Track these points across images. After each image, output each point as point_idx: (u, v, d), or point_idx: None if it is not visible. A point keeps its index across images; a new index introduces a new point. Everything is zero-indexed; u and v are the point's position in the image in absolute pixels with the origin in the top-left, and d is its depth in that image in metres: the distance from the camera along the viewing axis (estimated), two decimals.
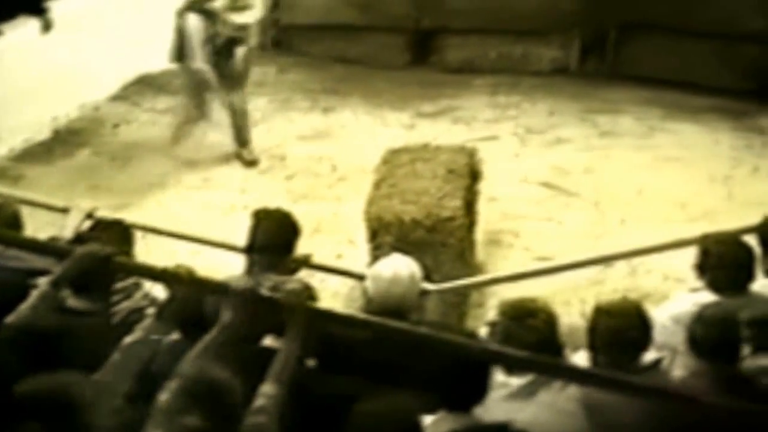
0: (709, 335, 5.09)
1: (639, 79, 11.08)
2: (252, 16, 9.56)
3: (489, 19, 11.40)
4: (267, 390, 4.41)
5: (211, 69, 9.49)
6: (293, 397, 4.40)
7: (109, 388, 4.59)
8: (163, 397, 4.16)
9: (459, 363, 4.75)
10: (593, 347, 5.13)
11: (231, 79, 9.69)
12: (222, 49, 9.51)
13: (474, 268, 7.70)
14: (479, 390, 4.74)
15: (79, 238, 5.82)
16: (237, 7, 9.37)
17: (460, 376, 4.68)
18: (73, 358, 4.59)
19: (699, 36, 10.84)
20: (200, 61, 9.39)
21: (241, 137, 9.75)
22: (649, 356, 5.16)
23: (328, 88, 11.22)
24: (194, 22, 9.33)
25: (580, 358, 5.23)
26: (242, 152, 9.69)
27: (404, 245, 6.99)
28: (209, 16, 9.34)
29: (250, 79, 11.30)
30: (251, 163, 9.64)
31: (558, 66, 11.51)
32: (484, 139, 9.81)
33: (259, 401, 4.36)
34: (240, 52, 9.70)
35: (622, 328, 5.07)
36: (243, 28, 9.48)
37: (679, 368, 5.44)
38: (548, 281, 7.04)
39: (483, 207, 8.16)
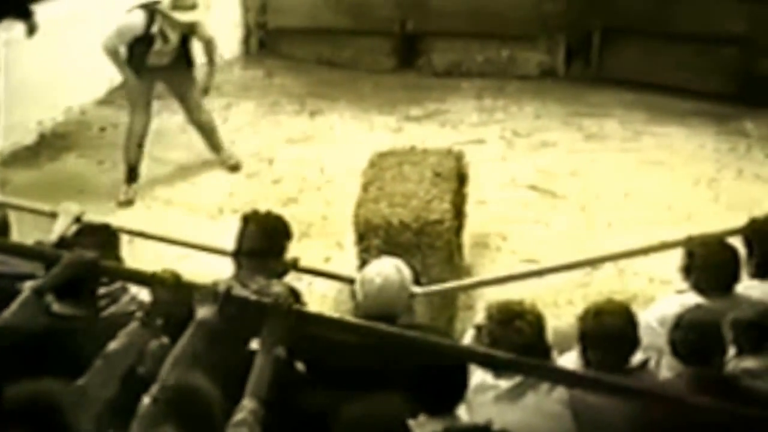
0: (689, 340, 5.11)
1: (624, 83, 11.08)
2: (200, 14, 9.02)
3: (476, 23, 11.40)
4: (246, 404, 4.41)
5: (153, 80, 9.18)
6: (278, 407, 4.37)
7: (92, 394, 4.58)
8: (145, 402, 4.15)
9: (437, 365, 4.75)
10: (584, 348, 5.14)
11: (188, 94, 9.39)
12: (174, 55, 9.13)
13: (462, 271, 7.71)
14: (458, 391, 4.75)
15: (62, 242, 5.79)
16: (181, 5, 8.84)
17: (438, 378, 4.69)
18: (58, 364, 4.58)
19: (682, 40, 10.86)
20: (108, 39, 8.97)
21: (213, 145, 9.55)
22: (637, 357, 5.17)
23: (315, 92, 11.20)
24: (133, 15, 8.94)
25: (570, 360, 5.23)
26: (222, 158, 9.55)
27: (392, 248, 6.99)
28: (151, 12, 8.92)
29: (237, 83, 11.36)
30: (234, 168, 9.49)
31: (544, 70, 11.50)
32: (471, 142, 9.80)
33: (239, 415, 4.36)
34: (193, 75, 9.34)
35: (612, 329, 5.09)
36: (191, 26, 9.01)
37: (665, 369, 5.47)
38: (536, 284, 7.05)
39: (470, 210, 8.16)
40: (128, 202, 9.09)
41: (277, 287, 5.50)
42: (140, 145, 9.22)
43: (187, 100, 9.37)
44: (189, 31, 9.05)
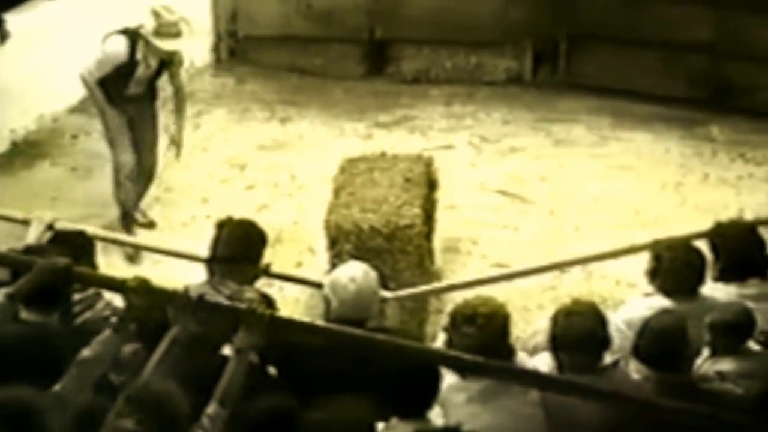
0: (654, 347, 5.15)
1: (590, 89, 11.12)
2: (183, 43, 8.53)
3: (444, 31, 11.41)
4: (210, 410, 4.41)
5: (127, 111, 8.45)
6: (243, 414, 4.36)
7: (68, 400, 4.56)
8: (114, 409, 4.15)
9: (409, 369, 4.75)
10: (556, 349, 5.16)
11: (148, 131, 8.66)
12: (146, 84, 8.49)
13: (432, 275, 7.72)
14: (429, 396, 4.75)
15: (34, 249, 5.75)
16: (164, 32, 8.30)
17: (410, 382, 4.69)
18: (26, 371, 4.55)
19: (648, 46, 10.90)
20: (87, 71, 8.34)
21: (139, 195, 8.72)
22: (609, 357, 5.20)
23: (285, 99, 11.18)
24: (116, 42, 8.31)
25: (542, 361, 5.24)
26: (139, 211, 8.75)
27: (363, 253, 7.01)
28: (134, 38, 8.29)
29: (208, 90, 11.33)
30: (149, 225, 8.67)
31: (512, 76, 11.53)
32: (441, 148, 9.82)
33: (201, 420, 4.36)
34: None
35: (582, 329, 5.12)
36: (172, 54, 8.44)
37: (633, 372, 5.48)
38: (506, 287, 7.06)
39: (441, 215, 8.18)
40: (130, 259, 8.07)
41: (249, 293, 5.50)
42: (133, 181, 8.53)
43: (145, 138, 8.64)
44: (169, 60, 8.48)
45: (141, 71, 8.37)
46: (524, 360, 5.26)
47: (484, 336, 5.01)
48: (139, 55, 8.29)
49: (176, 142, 8.75)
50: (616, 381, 5.12)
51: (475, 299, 5.20)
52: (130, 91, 8.42)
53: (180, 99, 8.75)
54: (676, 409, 4.91)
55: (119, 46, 8.27)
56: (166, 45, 8.33)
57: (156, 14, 8.29)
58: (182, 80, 8.76)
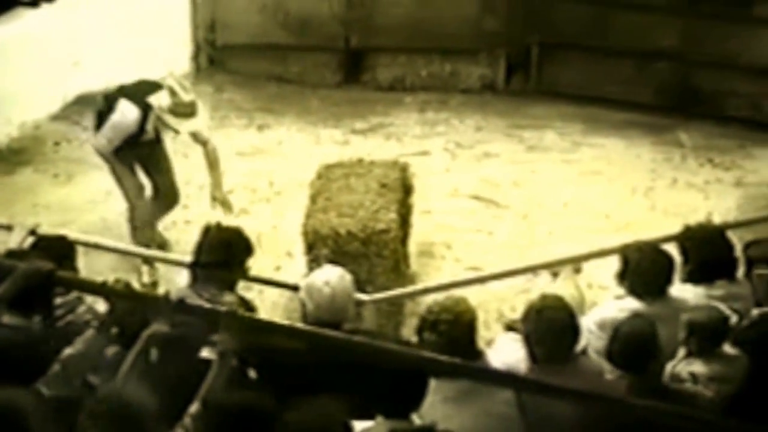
0: (625, 352, 5.18)
1: (562, 96, 11.17)
2: (199, 120, 8.05)
3: (418, 39, 11.45)
4: (192, 409, 4.41)
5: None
6: (226, 413, 4.35)
7: (50, 399, 4.55)
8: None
9: (396, 371, 4.76)
10: (529, 343, 5.20)
11: (161, 166, 8.31)
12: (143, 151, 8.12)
13: (408, 279, 7.74)
14: (416, 397, 4.75)
15: (15, 254, 5.74)
16: (179, 111, 7.84)
17: (396, 383, 4.69)
18: (10, 374, 4.55)
19: (618, 54, 10.96)
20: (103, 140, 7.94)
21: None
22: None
23: (263, 107, 11.19)
24: (127, 112, 7.90)
25: (510, 352, 5.28)
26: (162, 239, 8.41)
27: (340, 257, 7.03)
28: (145, 109, 7.89)
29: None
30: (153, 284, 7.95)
31: (485, 84, 11.57)
32: (416, 154, 9.84)
33: (184, 420, 4.36)
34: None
35: (555, 323, 5.18)
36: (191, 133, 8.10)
37: (606, 372, 5.50)
38: (480, 290, 7.09)
39: (416, 220, 8.20)
40: (153, 284, 7.82)
41: (229, 296, 5.51)
42: (153, 225, 8.21)
43: (160, 169, 8.33)
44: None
45: (149, 135, 8.07)
46: (495, 354, 5.30)
47: (447, 343, 5.02)
48: (149, 126, 7.96)
49: (221, 201, 8.34)
50: (584, 370, 5.21)
51: (440, 305, 5.19)
52: (141, 139, 8.09)
53: (209, 156, 8.29)
54: (648, 407, 4.93)
55: (130, 118, 7.91)
56: (178, 124, 7.92)
57: (172, 92, 7.82)
58: (206, 136, 8.27)
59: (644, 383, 5.10)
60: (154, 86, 8.00)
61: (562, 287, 6.40)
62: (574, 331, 5.23)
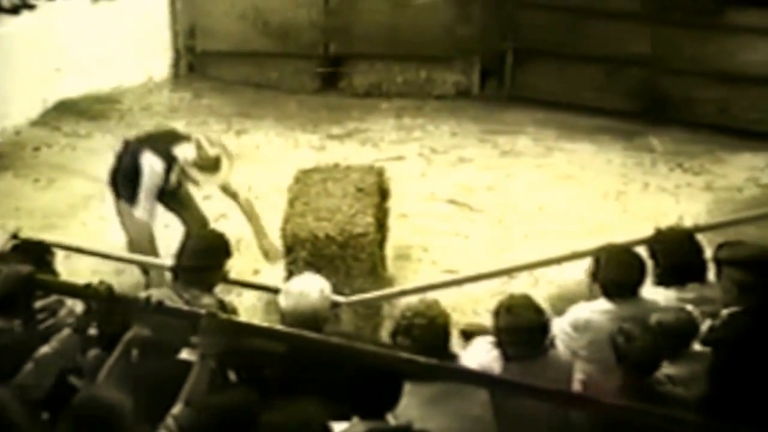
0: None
1: (535, 102, 11.20)
2: (224, 174, 7.77)
3: (395, 46, 11.47)
4: (175, 410, 4.39)
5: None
6: (208, 412, 4.33)
7: (23, 396, 4.52)
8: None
9: (371, 372, 4.75)
10: (500, 340, 5.22)
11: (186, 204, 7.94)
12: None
13: (385, 282, 7.72)
14: (391, 398, 4.74)
15: None
16: (205, 165, 7.62)
17: (371, 384, 4.68)
18: None
19: (590, 60, 11.00)
20: (144, 212, 7.54)
21: None
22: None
23: (241, 112, 11.17)
24: (153, 165, 7.56)
25: (482, 351, 5.29)
26: None
27: (318, 260, 7.03)
28: (170, 161, 7.61)
29: (167, 104, 11.29)
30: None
31: (460, 90, 11.59)
32: (392, 159, 9.84)
33: (166, 421, 4.34)
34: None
35: (524, 320, 5.27)
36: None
37: (579, 372, 5.51)
38: (456, 293, 7.09)
39: (393, 223, 8.19)
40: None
41: (207, 299, 5.50)
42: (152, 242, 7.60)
43: (185, 209, 7.97)
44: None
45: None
46: (469, 356, 5.30)
47: (421, 347, 5.01)
48: (173, 177, 7.66)
49: (266, 250, 7.96)
50: (555, 363, 5.30)
51: (413, 309, 5.20)
52: (165, 189, 7.74)
53: (243, 207, 8.02)
54: (620, 407, 4.93)
55: (157, 172, 7.57)
56: (203, 179, 7.70)
57: (198, 146, 7.64)
58: (234, 189, 7.99)
59: (639, 385, 5.09)
60: (177, 137, 7.85)
61: None
62: (543, 326, 5.31)
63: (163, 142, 7.75)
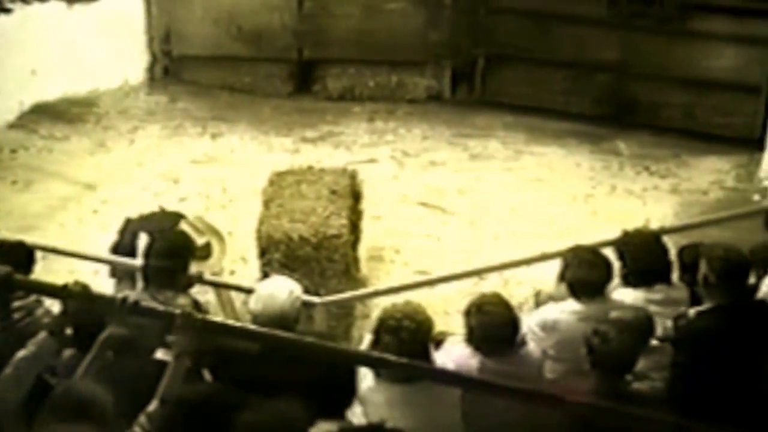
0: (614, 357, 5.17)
1: (505, 106, 11.24)
2: (215, 264, 7.49)
3: (367, 51, 11.48)
4: (149, 408, 4.38)
5: None
6: (183, 412, 4.32)
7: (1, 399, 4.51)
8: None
9: (325, 370, 4.76)
10: (471, 340, 5.24)
11: None
12: None
13: (358, 282, 7.73)
14: (348, 396, 4.77)
15: None
16: (199, 255, 7.05)
17: (327, 382, 4.70)
18: None
19: (559, 65, 11.04)
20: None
21: None
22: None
23: (216, 116, 11.16)
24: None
25: (455, 351, 5.30)
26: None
27: (292, 262, 7.04)
28: None
29: (143, 107, 11.26)
30: None
31: (431, 94, 11.61)
32: (364, 162, 9.85)
33: (140, 419, 4.33)
34: None
35: (495, 317, 5.30)
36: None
37: (548, 372, 5.54)
38: (428, 293, 7.11)
39: (366, 225, 8.20)
40: None
41: (181, 299, 5.49)
42: None
43: None
44: None
45: None
46: (443, 355, 5.32)
47: (406, 349, 5.02)
48: None
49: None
50: (527, 359, 5.33)
51: (401, 311, 5.16)
52: None
53: (221, 300, 7.36)
54: (588, 405, 4.95)
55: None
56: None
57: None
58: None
59: (613, 387, 5.10)
60: (171, 218, 7.72)
61: None
62: (513, 322, 5.33)
63: (162, 224, 7.52)
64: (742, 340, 5.37)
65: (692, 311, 5.55)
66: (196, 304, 5.64)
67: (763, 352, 5.30)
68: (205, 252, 7.52)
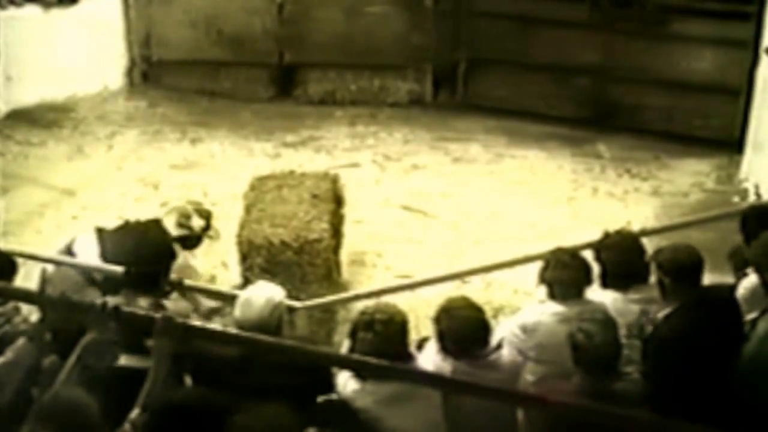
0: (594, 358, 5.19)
1: (486, 110, 11.26)
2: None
3: (349, 55, 11.50)
4: (132, 415, 4.37)
5: None
6: (167, 417, 4.32)
7: None
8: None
9: (301, 373, 4.77)
10: (444, 344, 5.26)
11: None
12: None
13: (340, 287, 7.74)
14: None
15: None
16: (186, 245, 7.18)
17: (303, 385, 4.71)
18: None
19: (540, 69, 11.08)
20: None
21: None
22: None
23: (196, 121, 11.15)
24: None
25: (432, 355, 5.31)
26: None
27: (274, 266, 7.04)
28: None
29: (122, 112, 11.24)
30: None
31: (413, 98, 11.63)
32: (346, 166, 9.85)
33: (123, 426, 4.33)
34: None
35: (466, 320, 5.32)
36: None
37: (529, 373, 5.55)
38: (410, 297, 7.10)
39: (348, 229, 8.20)
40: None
41: (170, 304, 5.49)
42: None
43: None
44: None
45: None
46: (425, 356, 5.33)
47: (382, 342, 5.06)
48: None
49: None
50: (501, 362, 5.34)
51: (373, 307, 5.26)
52: None
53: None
54: (567, 405, 4.97)
55: None
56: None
57: (183, 217, 7.39)
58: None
59: (594, 384, 5.12)
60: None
61: None
62: (484, 325, 5.36)
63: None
64: (710, 339, 5.34)
65: (659, 315, 5.55)
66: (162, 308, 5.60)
67: (730, 350, 5.30)
68: (198, 243, 7.47)
